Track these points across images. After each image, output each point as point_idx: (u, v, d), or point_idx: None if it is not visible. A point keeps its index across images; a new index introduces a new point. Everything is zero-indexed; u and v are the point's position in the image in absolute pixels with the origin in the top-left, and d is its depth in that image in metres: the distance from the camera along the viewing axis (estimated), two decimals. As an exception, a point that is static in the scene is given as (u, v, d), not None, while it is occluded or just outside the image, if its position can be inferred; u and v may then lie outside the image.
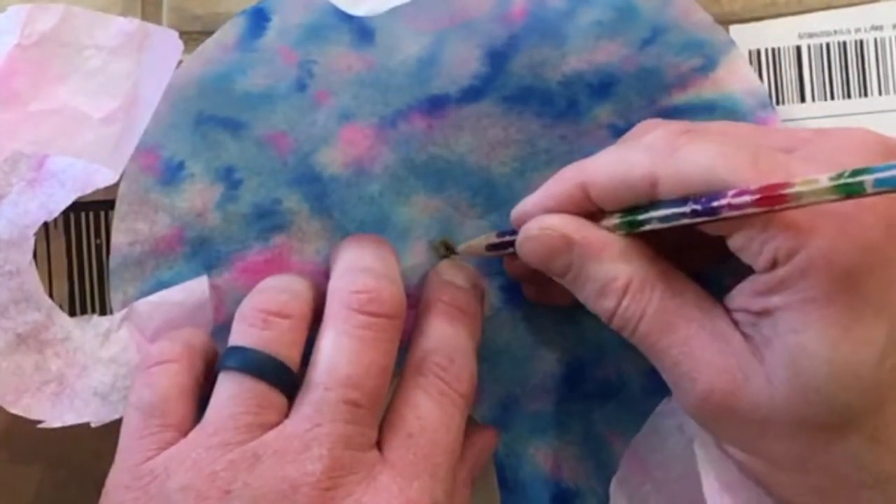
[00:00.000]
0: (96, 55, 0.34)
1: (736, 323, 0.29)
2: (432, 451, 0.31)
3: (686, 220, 0.29)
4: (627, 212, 0.30)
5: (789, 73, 0.37)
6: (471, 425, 0.34)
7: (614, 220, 0.31)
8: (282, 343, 0.31)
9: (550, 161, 0.36)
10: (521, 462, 0.37)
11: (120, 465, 0.31)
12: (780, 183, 0.26)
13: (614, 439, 0.37)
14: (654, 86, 0.36)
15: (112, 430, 0.33)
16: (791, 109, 0.37)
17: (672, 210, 0.29)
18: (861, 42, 0.37)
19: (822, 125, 0.37)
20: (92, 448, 0.36)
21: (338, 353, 0.31)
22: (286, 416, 0.31)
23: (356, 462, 0.30)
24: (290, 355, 0.31)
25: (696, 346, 0.29)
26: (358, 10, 0.34)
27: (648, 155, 0.30)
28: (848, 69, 0.37)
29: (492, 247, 0.35)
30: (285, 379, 0.31)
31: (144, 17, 0.36)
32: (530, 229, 0.32)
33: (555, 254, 0.32)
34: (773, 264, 0.28)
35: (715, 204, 0.28)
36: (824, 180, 0.26)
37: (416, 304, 0.35)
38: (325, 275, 0.35)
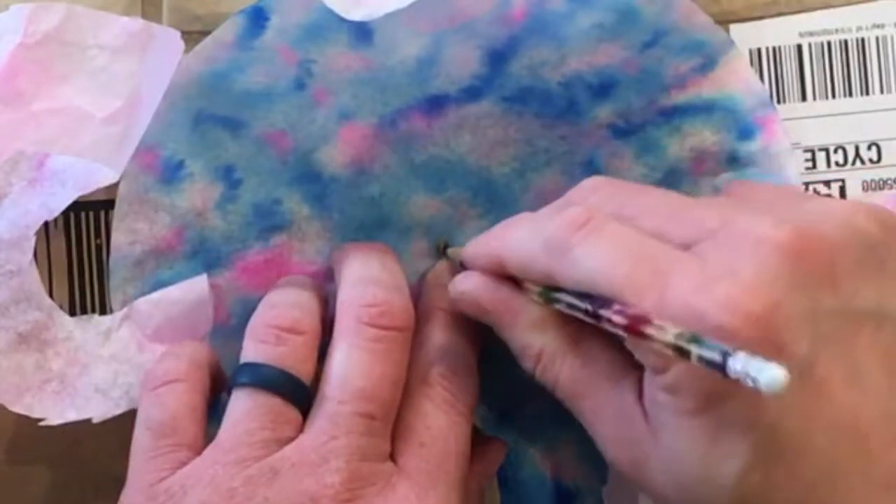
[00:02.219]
0: (100, 55, 0.34)
1: (642, 397, 0.29)
2: (445, 459, 0.31)
3: (582, 316, 0.29)
4: (545, 288, 0.31)
5: (790, 72, 0.37)
6: (479, 437, 0.34)
7: (535, 290, 0.31)
8: (295, 359, 0.32)
9: (550, 161, 0.36)
10: (521, 462, 0.37)
11: (133, 486, 0.31)
12: (643, 318, 0.27)
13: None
14: (653, 86, 0.36)
15: (112, 430, 0.34)
16: (792, 108, 0.37)
17: (575, 301, 0.30)
18: (862, 40, 0.37)
19: (824, 123, 0.37)
20: (92, 447, 0.36)
21: (351, 367, 0.31)
22: (301, 430, 0.31)
23: (373, 473, 0.30)
24: (303, 370, 0.32)
25: (602, 419, 0.30)
26: (354, 16, 0.34)
27: (545, 251, 0.30)
28: (849, 68, 0.37)
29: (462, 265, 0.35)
30: (300, 394, 0.31)
31: (144, 17, 0.36)
32: (453, 289, 0.34)
33: (475, 315, 0.33)
34: (656, 371, 0.28)
35: (600, 312, 0.28)
36: (670, 335, 0.26)
37: (415, 302, 0.35)
38: (326, 275, 0.36)
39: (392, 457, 0.31)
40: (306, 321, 0.32)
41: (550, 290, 0.31)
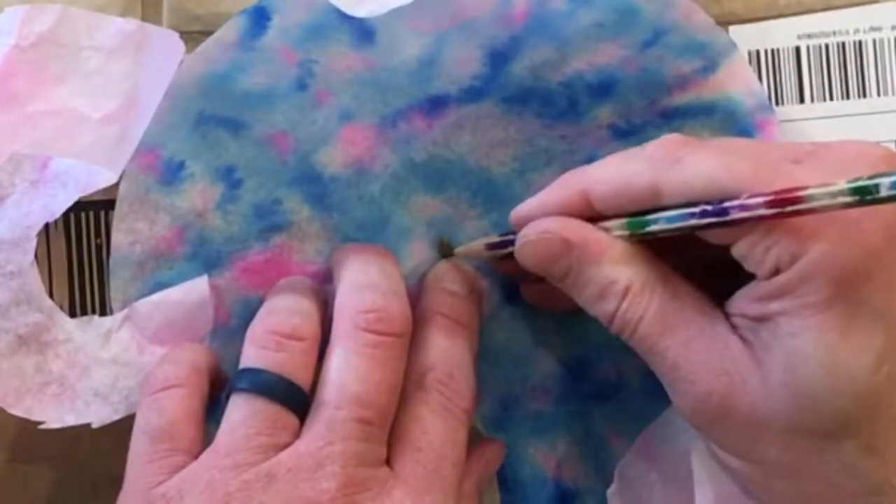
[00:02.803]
0: (95, 56, 0.34)
1: (735, 328, 0.30)
2: (441, 464, 0.31)
3: (694, 221, 0.29)
4: (633, 214, 0.31)
5: (789, 74, 0.37)
6: (477, 439, 0.34)
7: (618, 223, 0.31)
8: (295, 365, 0.32)
9: (550, 161, 0.36)
10: (521, 462, 0.37)
11: (130, 489, 0.31)
12: (794, 186, 0.27)
13: (614, 439, 0.37)
14: (654, 86, 0.36)
15: (112, 429, 0.34)
16: (790, 110, 0.37)
17: (680, 211, 0.29)
18: (860, 43, 0.37)
19: (822, 126, 0.37)
20: (92, 448, 0.36)
21: (348, 372, 0.31)
22: (298, 436, 0.31)
23: (369, 479, 0.30)
24: (302, 377, 0.32)
25: (694, 348, 0.30)
26: (358, 12, 0.34)
27: (650, 165, 0.30)
28: (847, 70, 0.37)
29: (492, 246, 0.35)
30: (298, 400, 0.31)
31: (144, 17, 0.35)
32: (528, 234, 0.32)
33: (553, 258, 0.32)
34: (776, 271, 0.28)
35: (726, 205, 0.28)
36: (841, 183, 0.26)
37: (414, 302, 0.35)
38: (326, 275, 0.36)
39: (388, 462, 0.31)
40: (306, 327, 0.32)
41: (640, 217, 0.30)
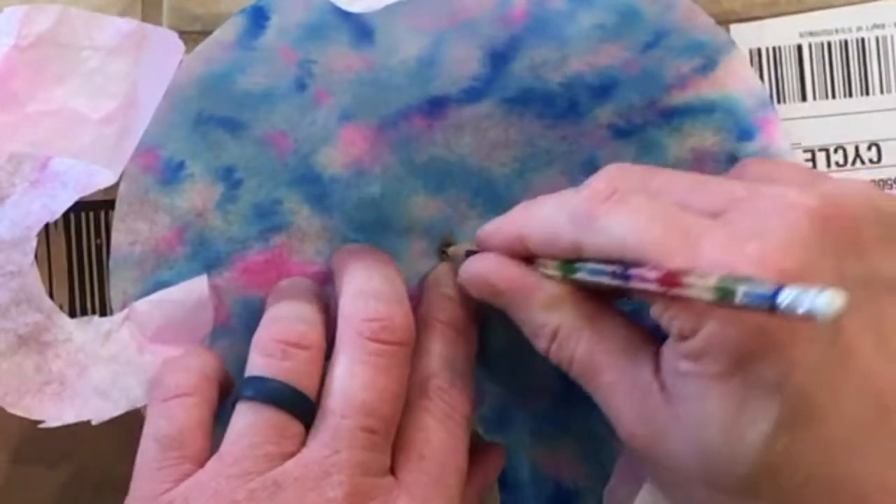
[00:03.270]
0: (94, 56, 0.34)
1: (661, 372, 0.30)
2: (444, 472, 0.32)
3: (608, 280, 0.29)
4: (564, 261, 0.31)
5: (790, 72, 0.37)
6: (478, 445, 0.34)
7: (551, 265, 0.32)
8: (301, 373, 0.32)
9: (551, 162, 0.36)
10: (521, 462, 0.37)
11: (137, 496, 0.31)
12: (680, 270, 0.27)
13: (614, 439, 0.36)
14: (654, 87, 0.36)
15: (112, 430, 0.34)
16: (792, 108, 0.37)
17: (599, 267, 0.30)
18: (862, 40, 0.37)
19: (824, 123, 0.37)
20: (92, 448, 0.36)
21: (352, 381, 0.31)
22: (304, 444, 0.31)
23: (374, 487, 0.30)
24: (308, 385, 0.32)
25: (618, 393, 0.30)
26: (354, 7, 0.34)
27: (571, 222, 0.30)
28: (849, 68, 0.37)
29: (470, 254, 0.35)
30: (304, 408, 0.31)
31: (144, 17, 0.35)
32: (463, 273, 0.34)
33: (488, 297, 0.33)
34: (682, 336, 0.28)
35: (630, 272, 0.28)
36: (712, 279, 0.26)
37: (415, 303, 0.35)
38: (326, 276, 0.36)
39: (392, 470, 0.31)
40: (311, 335, 0.32)
41: (571, 262, 0.31)
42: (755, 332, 0.27)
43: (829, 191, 0.29)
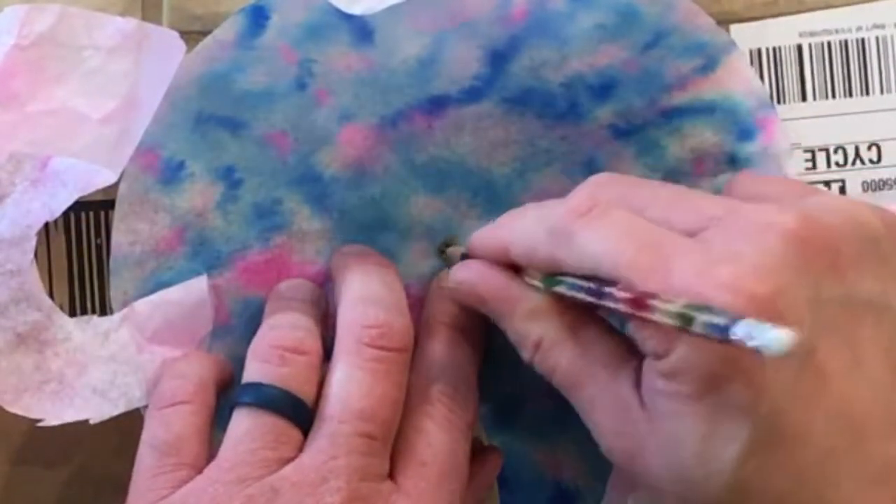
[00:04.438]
0: (94, 55, 0.34)
1: (641, 386, 0.29)
2: (444, 478, 0.32)
3: (586, 296, 0.29)
4: (548, 274, 0.31)
5: (790, 73, 0.37)
6: (477, 448, 0.34)
7: (536, 277, 0.32)
8: (298, 379, 0.32)
9: (551, 162, 0.36)
10: (521, 462, 0.37)
11: (135, 502, 0.31)
12: (648, 293, 0.27)
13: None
14: (654, 87, 0.36)
15: (112, 430, 0.34)
16: (792, 108, 0.37)
17: (577, 282, 0.30)
18: (862, 40, 0.37)
19: (824, 123, 0.37)
20: (92, 447, 0.36)
21: (351, 387, 0.31)
22: (302, 451, 0.31)
23: (373, 493, 0.30)
24: (306, 391, 0.32)
25: (599, 406, 0.30)
26: (354, 9, 0.34)
27: (549, 237, 0.30)
28: (849, 68, 0.37)
29: (465, 258, 0.35)
30: (302, 414, 0.31)
31: (144, 17, 0.35)
32: (450, 280, 0.34)
33: (474, 305, 0.33)
34: (656, 356, 0.28)
35: (604, 290, 0.29)
36: (677, 304, 0.26)
37: (415, 304, 0.35)
38: (326, 276, 0.36)
39: (392, 475, 0.31)
40: (309, 342, 0.33)
41: (554, 275, 0.31)
42: (723, 357, 0.27)
43: (810, 210, 0.29)
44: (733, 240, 0.28)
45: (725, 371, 0.27)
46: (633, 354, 0.30)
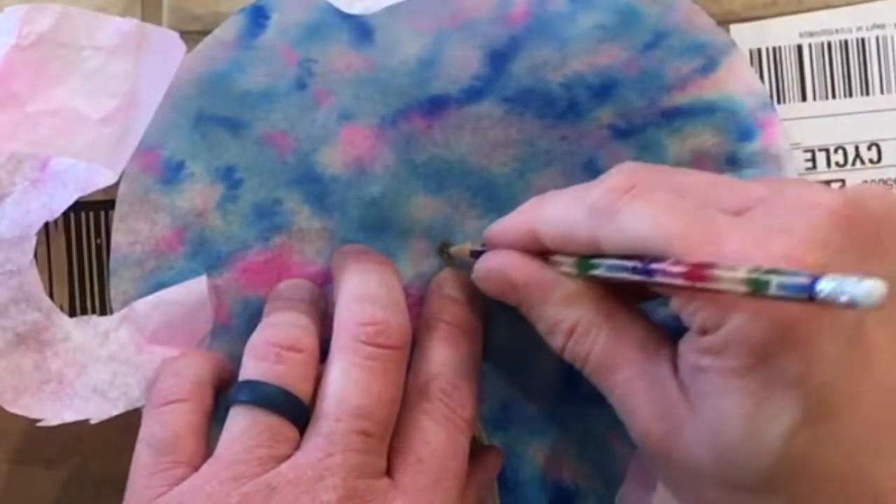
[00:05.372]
0: (94, 55, 0.34)
1: (678, 370, 0.30)
2: (442, 475, 0.31)
3: (628, 275, 0.29)
4: (581, 258, 0.31)
5: (790, 72, 0.37)
6: (476, 447, 0.34)
7: (569, 260, 0.31)
8: (295, 377, 0.32)
9: (551, 162, 0.36)
10: (521, 462, 0.37)
11: (132, 500, 0.31)
12: (706, 263, 0.27)
13: (614, 439, 0.37)
14: (654, 87, 0.36)
15: (112, 429, 0.34)
16: (792, 108, 0.37)
17: (619, 262, 0.30)
18: (863, 40, 0.37)
19: (824, 123, 0.37)
20: (92, 447, 0.36)
21: (347, 384, 0.31)
22: (298, 448, 0.31)
23: (369, 490, 0.30)
24: (302, 389, 0.32)
25: (635, 389, 0.30)
26: (354, 9, 0.34)
27: (590, 216, 0.30)
28: (849, 68, 0.37)
29: (475, 254, 0.35)
30: (298, 412, 0.31)
31: (144, 17, 0.35)
32: (479, 269, 0.34)
33: (503, 294, 0.33)
34: (703, 331, 0.28)
35: (652, 267, 0.28)
36: (742, 271, 0.26)
37: (415, 304, 0.35)
38: (326, 276, 0.36)
39: (389, 472, 0.31)
40: (306, 339, 0.32)
41: (587, 258, 0.31)
42: (779, 327, 0.27)
43: (851, 193, 0.29)
44: (781, 217, 0.28)
45: (780, 342, 0.27)
46: (667, 341, 0.30)
